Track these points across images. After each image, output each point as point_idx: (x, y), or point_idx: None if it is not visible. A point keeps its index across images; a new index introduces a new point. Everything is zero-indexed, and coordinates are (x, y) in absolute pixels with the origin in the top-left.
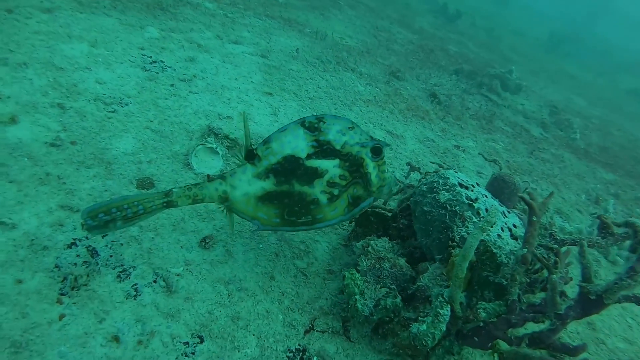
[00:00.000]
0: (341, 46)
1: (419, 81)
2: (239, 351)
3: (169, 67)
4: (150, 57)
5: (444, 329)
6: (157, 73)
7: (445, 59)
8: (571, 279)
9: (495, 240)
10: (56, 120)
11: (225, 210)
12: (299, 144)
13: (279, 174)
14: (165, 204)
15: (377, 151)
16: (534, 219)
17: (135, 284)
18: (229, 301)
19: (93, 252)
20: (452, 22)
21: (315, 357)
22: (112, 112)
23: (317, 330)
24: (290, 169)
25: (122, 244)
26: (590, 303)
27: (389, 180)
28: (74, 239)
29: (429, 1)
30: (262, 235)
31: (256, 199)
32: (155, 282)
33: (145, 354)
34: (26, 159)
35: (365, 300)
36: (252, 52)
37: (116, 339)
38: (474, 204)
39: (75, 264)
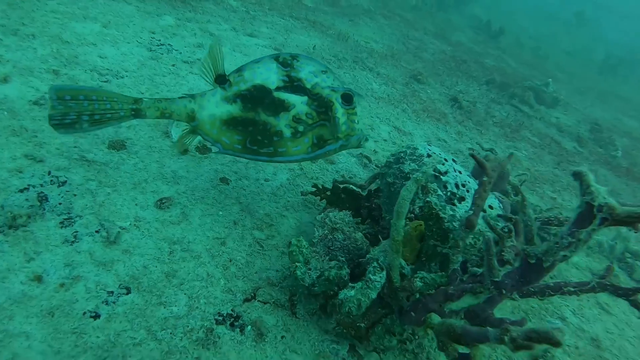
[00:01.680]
0: (363, 48)
1: (443, 86)
2: (164, 307)
3: (175, 50)
4: (159, 40)
5: (374, 296)
6: (162, 54)
7: (478, 71)
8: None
9: (446, 206)
10: (47, 84)
11: (186, 132)
12: (270, 76)
13: (246, 100)
14: (133, 112)
15: (347, 98)
16: (485, 179)
17: (76, 232)
18: (169, 259)
19: (42, 198)
20: (494, 39)
21: (249, 326)
22: (105, 82)
23: (258, 300)
24: (258, 97)
25: (75, 195)
26: (529, 268)
27: (359, 131)
28: (29, 185)
29: (472, 18)
30: (225, 204)
31: (221, 122)
32: (97, 232)
33: (65, 297)
34: (6, 113)
35: (309, 270)
36: (266, 44)
37: (39, 278)
38: (441, 177)
39: (22, 206)
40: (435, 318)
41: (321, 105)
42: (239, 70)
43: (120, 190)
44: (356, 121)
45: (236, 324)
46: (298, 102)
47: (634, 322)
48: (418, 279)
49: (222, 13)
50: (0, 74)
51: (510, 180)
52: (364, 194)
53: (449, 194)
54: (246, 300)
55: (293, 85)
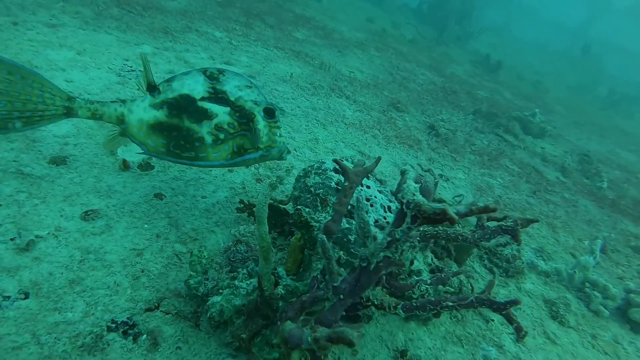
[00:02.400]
0: (345, 77)
1: (424, 115)
2: (59, 313)
3: None
4: (131, 67)
5: (237, 303)
6: (130, 79)
7: (467, 101)
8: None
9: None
10: None
11: (115, 134)
12: (196, 87)
13: (172, 107)
14: (65, 109)
15: (269, 112)
16: (347, 184)
17: None
18: (78, 267)
19: None
20: (492, 72)
21: (144, 335)
22: None
23: (161, 310)
24: (183, 105)
25: (0, 205)
26: (362, 272)
27: (281, 144)
28: None
29: (474, 53)
30: (153, 217)
31: (148, 126)
32: (12, 240)
33: None
34: None
35: (206, 280)
36: (240, 72)
37: None
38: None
39: None
40: (287, 325)
41: (243, 117)
42: (169, 80)
43: (49, 202)
44: (278, 134)
45: (130, 332)
46: (220, 112)
47: (581, 354)
48: (281, 287)
49: (203, 43)
50: None
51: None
52: (290, 209)
53: (349, 207)
54: (148, 309)
55: (217, 96)
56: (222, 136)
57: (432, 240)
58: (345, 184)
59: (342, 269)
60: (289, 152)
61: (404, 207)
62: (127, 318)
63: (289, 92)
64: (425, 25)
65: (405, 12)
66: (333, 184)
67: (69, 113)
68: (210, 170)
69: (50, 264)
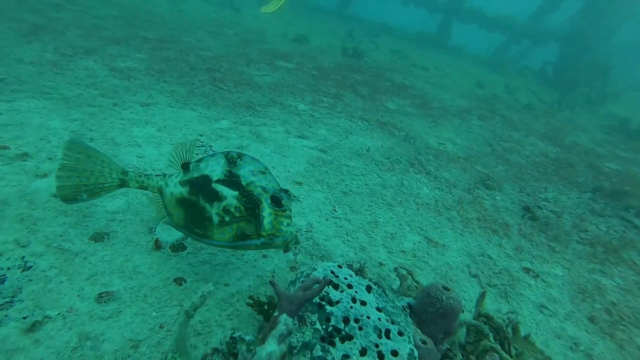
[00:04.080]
0: (431, 150)
1: (521, 193)
2: None
3: (211, 151)
4: (202, 142)
5: None
6: (198, 154)
7: (586, 176)
8: None
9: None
10: None
11: (161, 204)
12: (216, 169)
13: (193, 186)
14: (120, 181)
15: (276, 200)
16: (276, 313)
17: (6, 315)
18: (69, 355)
19: (3, 279)
20: (631, 140)
21: None
22: None
23: None
24: (202, 185)
25: (30, 280)
26: None
27: (286, 233)
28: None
29: (607, 117)
30: (164, 305)
31: (175, 199)
32: (24, 318)
33: None
34: (26, 202)
35: None
36: (313, 146)
37: None
38: (325, 306)
39: None
40: None
41: (250, 202)
42: (199, 160)
43: (73, 280)
44: (285, 223)
45: None
46: (229, 195)
47: None
48: None
49: (283, 117)
50: (46, 169)
51: (494, 320)
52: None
53: (330, 329)
54: None
55: (231, 179)
56: (227, 218)
57: None
58: (275, 313)
59: None
60: (297, 242)
61: None
62: None
63: (360, 168)
64: (548, 89)
65: (526, 75)
66: (316, 299)
67: (122, 184)
68: (243, 255)
69: (45, 349)
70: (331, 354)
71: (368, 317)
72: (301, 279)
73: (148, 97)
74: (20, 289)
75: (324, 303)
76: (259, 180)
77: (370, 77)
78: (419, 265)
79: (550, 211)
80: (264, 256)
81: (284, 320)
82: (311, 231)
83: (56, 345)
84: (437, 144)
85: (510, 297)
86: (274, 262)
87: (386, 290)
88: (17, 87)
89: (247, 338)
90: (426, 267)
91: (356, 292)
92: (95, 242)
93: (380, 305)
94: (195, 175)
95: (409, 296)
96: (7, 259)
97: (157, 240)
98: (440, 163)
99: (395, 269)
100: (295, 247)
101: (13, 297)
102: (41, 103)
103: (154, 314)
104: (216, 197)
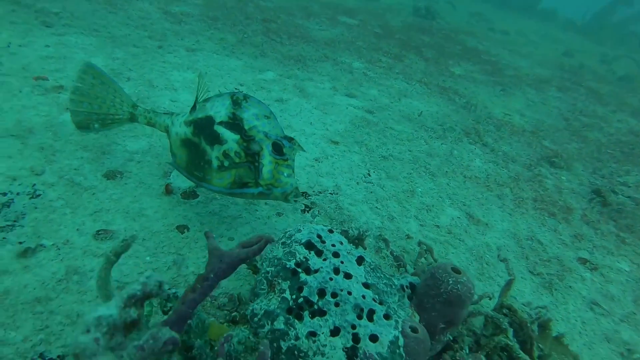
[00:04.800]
0: (492, 120)
1: (593, 175)
2: (2, 329)
3: None
4: (242, 92)
5: None
6: None
7: None
8: None
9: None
10: None
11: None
12: (221, 110)
13: (197, 127)
14: (130, 115)
15: (276, 147)
16: (203, 273)
17: (4, 238)
18: (53, 286)
19: (6, 204)
20: None
21: None
22: None
23: None
24: (204, 127)
25: (36, 208)
26: None
27: (286, 185)
28: (9, 191)
29: None
30: (161, 252)
31: (180, 140)
32: (20, 243)
33: None
34: (50, 133)
35: None
36: (360, 106)
37: None
38: (300, 274)
39: None
40: None
41: (250, 147)
42: (205, 100)
43: (77, 214)
44: (285, 174)
45: None
46: (230, 139)
47: None
48: None
49: (334, 73)
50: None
51: (518, 314)
52: None
53: (300, 300)
54: None
55: (234, 122)
56: (226, 163)
57: None
58: (202, 273)
59: None
60: (298, 195)
61: None
62: (58, 356)
63: (406, 132)
64: None
65: (631, 43)
66: (291, 264)
67: (132, 118)
68: (256, 210)
69: (32, 276)
70: (295, 329)
71: (349, 293)
72: (282, 240)
73: (195, 42)
74: (24, 215)
75: (299, 270)
76: (262, 125)
77: (440, 40)
78: (452, 243)
79: (628, 197)
80: (279, 214)
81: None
82: (337, 194)
83: (43, 274)
84: (501, 115)
85: (555, 289)
86: (287, 222)
87: (394, 266)
88: (69, 22)
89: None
90: (460, 246)
91: (342, 262)
92: (108, 179)
93: (369, 281)
94: (200, 115)
95: (419, 276)
96: (19, 185)
97: (168, 185)
98: (501, 135)
99: (419, 243)
100: (295, 201)
101: (15, 221)
102: (88, 40)
103: (147, 258)
104: (217, 139)
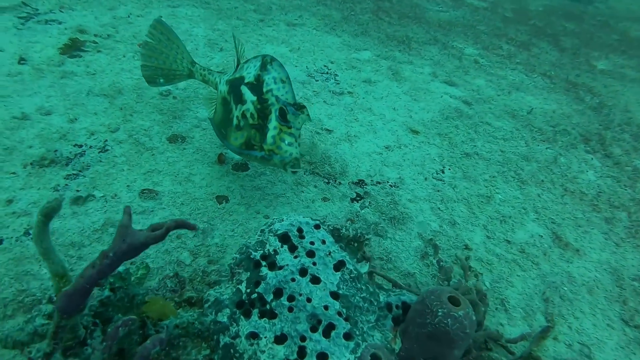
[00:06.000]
0: (630, 127)
1: None
2: (26, 268)
3: (334, 80)
4: (329, 70)
5: None
6: (317, 81)
7: None
8: None
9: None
10: (187, 82)
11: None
12: (251, 72)
13: (231, 86)
14: (188, 71)
15: (282, 113)
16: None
17: (67, 184)
18: (89, 235)
19: (78, 155)
20: None
21: None
22: None
23: None
24: (234, 86)
25: (100, 161)
26: None
27: (285, 153)
28: (84, 144)
29: None
30: (194, 218)
31: (220, 97)
32: (78, 191)
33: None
34: (134, 95)
35: None
36: (458, 96)
37: (9, 201)
38: (262, 267)
39: (60, 154)
40: None
41: (263, 111)
42: (247, 61)
43: (132, 171)
44: (287, 141)
45: None
46: (249, 100)
47: None
48: None
49: (439, 58)
50: None
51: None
52: None
53: (254, 296)
54: None
55: (256, 84)
56: (242, 124)
57: None
58: (105, 249)
59: None
60: (297, 166)
61: None
62: None
63: (505, 130)
64: None
65: None
66: (257, 255)
67: (190, 74)
68: (302, 191)
69: (76, 222)
70: (237, 325)
71: (308, 300)
72: (262, 227)
73: (298, 17)
74: (89, 166)
75: (263, 263)
76: (276, 89)
77: (590, 27)
78: (522, 264)
79: None
80: (325, 199)
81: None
82: (398, 187)
83: (85, 222)
84: None
85: None
86: (331, 208)
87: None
88: None
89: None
90: (531, 270)
91: (314, 263)
92: (170, 142)
93: (341, 292)
94: (236, 75)
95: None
96: (95, 139)
97: (221, 154)
98: (637, 147)
99: (465, 258)
100: (294, 172)
101: (80, 171)
102: (197, 11)
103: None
104: (240, 100)
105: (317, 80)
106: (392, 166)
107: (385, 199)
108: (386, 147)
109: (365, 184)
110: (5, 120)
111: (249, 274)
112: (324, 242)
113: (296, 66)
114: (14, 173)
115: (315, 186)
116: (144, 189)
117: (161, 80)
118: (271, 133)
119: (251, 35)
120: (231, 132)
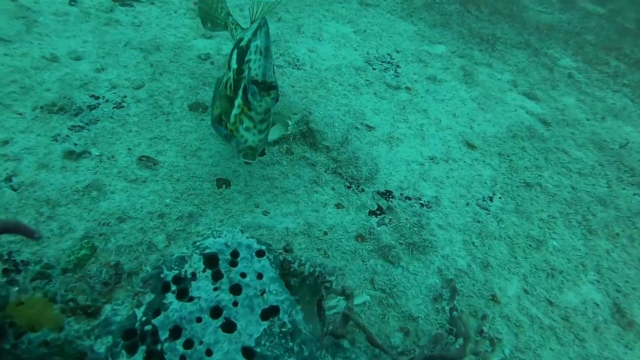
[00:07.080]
0: None
1: None
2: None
3: (394, 73)
4: (391, 59)
5: None
6: (374, 69)
7: None
8: None
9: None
10: None
11: None
12: (248, 35)
13: (236, 46)
14: (224, 22)
15: (245, 90)
16: None
17: (67, 135)
18: (69, 194)
19: (93, 107)
20: None
21: None
22: (278, 66)
23: None
24: (236, 46)
25: (111, 117)
26: None
27: (240, 137)
28: (103, 96)
29: None
30: (184, 199)
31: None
32: (75, 145)
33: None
34: (171, 54)
35: None
36: (536, 112)
37: (6, 141)
38: (169, 294)
39: (74, 102)
40: None
41: (237, 84)
42: (254, 21)
43: (140, 135)
44: (244, 125)
45: None
46: (233, 68)
47: None
48: None
49: (524, 65)
50: (214, 33)
51: None
52: None
53: (147, 328)
54: None
55: (245, 51)
56: (223, 93)
57: None
58: None
59: None
60: (249, 156)
61: None
62: (22, 261)
63: (583, 164)
64: None
65: None
66: (170, 274)
67: (225, 25)
68: (316, 192)
69: (63, 178)
70: None
71: (208, 353)
72: (195, 240)
73: None
74: (98, 121)
75: (173, 288)
76: (254, 61)
77: None
78: (562, 336)
79: None
80: (339, 206)
81: None
82: (430, 207)
83: (69, 181)
84: None
85: None
86: (343, 218)
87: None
88: None
89: None
90: (572, 346)
91: (235, 303)
92: (190, 110)
93: (259, 350)
94: (239, 36)
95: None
96: (114, 93)
97: None
98: None
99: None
100: (248, 163)
101: (87, 124)
102: None
103: (167, 200)
104: (229, 66)
105: (375, 69)
106: (432, 181)
107: (410, 219)
108: (431, 158)
109: (393, 197)
110: (34, 58)
111: (153, 296)
112: (260, 276)
113: (356, 50)
114: (21, 114)
115: (333, 188)
116: (144, 156)
117: (209, 24)
118: (234, 111)
119: (317, 9)
120: (215, 99)
